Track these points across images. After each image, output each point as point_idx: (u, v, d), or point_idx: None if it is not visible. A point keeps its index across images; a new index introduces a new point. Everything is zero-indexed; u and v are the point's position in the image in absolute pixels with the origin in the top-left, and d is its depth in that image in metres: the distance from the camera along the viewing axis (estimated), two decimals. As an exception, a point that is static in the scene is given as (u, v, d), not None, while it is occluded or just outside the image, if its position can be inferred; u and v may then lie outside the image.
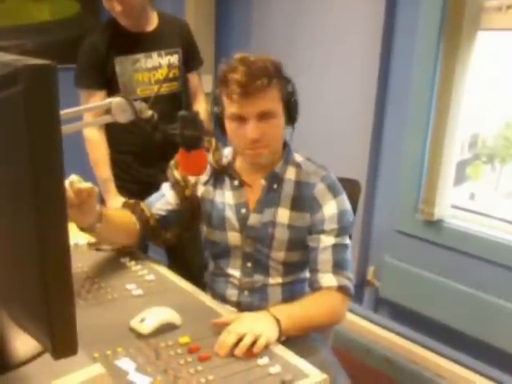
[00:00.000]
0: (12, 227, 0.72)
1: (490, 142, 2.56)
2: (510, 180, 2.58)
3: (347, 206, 1.46)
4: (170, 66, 2.16)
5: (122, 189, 2.19)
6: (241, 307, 1.51)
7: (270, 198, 1.47)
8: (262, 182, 1.47)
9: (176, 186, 1.54)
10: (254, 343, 1.15)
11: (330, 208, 1.42)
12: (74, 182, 1.26)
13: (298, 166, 1.48)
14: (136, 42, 2.12)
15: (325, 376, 1.10)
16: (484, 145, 2.56)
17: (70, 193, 1.24)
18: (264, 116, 1.35)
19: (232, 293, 1.53)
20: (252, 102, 1.33)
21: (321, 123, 2.54)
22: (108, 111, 1.30)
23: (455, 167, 2.27)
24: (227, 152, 1.53)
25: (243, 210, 1.48)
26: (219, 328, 1.22)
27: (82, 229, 1.36)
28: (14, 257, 0.74)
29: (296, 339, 1.29)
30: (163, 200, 1.55)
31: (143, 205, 1.54)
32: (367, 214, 2.51)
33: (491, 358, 2.19)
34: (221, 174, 1.51)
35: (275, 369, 1.10)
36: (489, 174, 2.55)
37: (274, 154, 1.44)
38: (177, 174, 1.54)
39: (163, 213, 1.53)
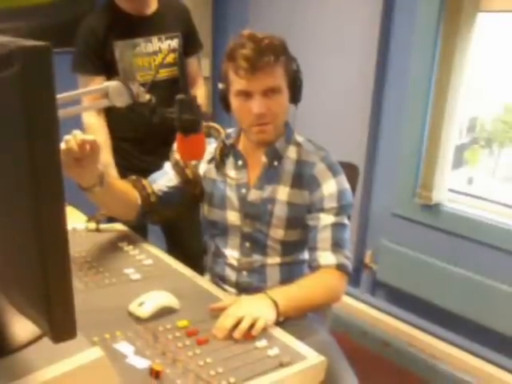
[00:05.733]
0: (9, 211, 0.72)
1: (489, 126, 2.54)
2: (508, 164, 2.58)
3: (346, 185, 1.47)
4: (169, 50, 2.13)
5: (123, 176, 2.18)
6: (239, 288, 1.52)
7: (271, 174, 1.48)
8: (263, 158, 1.48)
9: (176, 166, 1.54)
10: (252, 326, 1.16)
11: (330, 187, 1.43)
12: (77, 134, 1.25)
13: (298, 145, 1.50)
14: (135, 26, 2.08)
15: (322, 358, 1.12)
16: (482, 129, 2.54)
17: (73, 144, 1.23)
18: (269, 92, 1.38)
19: (231, 273, 1.53)
20: (259, 78, 1.36)
21: (319, 108, 2.53)
22: (105, 95, 1.29)
23: (453, 151, 2.27)
24: (231, 132, 1.54)
25: (243, 190, 1.49)
26: (217, 312, 1.22)
27: (82, 188, 1.34)
28: (12, 240, 0.74)
29: (294, 320, 1.30)
30: (166, 177, 1.55)
31: (145, 181, 1.54)
32: (365, 197, 2.52)
33: (488, 340, 2.21)
34: (225, 154, 1.52)
35: (273, 351, 1.11)
36: (487, 159, 2.54)
37: (277, 130, 1.45)
38: (177, 156, 1.53)
39: (165, 189, 1.54)
